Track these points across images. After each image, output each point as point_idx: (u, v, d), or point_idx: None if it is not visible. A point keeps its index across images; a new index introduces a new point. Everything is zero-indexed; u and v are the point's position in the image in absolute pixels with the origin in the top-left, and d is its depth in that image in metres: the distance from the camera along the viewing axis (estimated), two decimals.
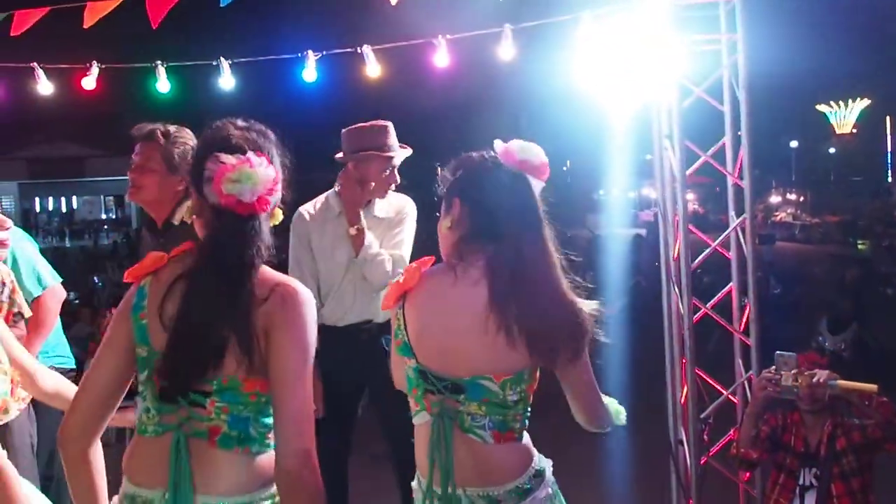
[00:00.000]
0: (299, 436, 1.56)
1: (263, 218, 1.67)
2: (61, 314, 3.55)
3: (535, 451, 1.85)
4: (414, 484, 1.90)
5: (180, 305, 1.61)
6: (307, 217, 3.34)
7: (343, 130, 3.33)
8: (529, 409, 1.83)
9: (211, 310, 1.59)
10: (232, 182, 1.59)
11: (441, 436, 1.76)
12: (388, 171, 3.26)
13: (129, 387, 1.72)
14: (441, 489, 1.77)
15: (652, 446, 4.21)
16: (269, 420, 1.64)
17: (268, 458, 1.64)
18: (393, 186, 3.31)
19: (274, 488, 1.64)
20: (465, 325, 1.76)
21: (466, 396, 1.75)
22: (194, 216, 1.72)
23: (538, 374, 1.84)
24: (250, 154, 1.63)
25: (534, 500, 1.77)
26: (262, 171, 1.61)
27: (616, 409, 2.03)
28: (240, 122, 1.73)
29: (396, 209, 3.34)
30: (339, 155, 3.33)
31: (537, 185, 1.89)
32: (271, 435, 1.63)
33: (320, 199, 3.39)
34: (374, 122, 3.30)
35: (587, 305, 1.81)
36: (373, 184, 3.24)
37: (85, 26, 3.83)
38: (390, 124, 3.31)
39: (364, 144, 3.25)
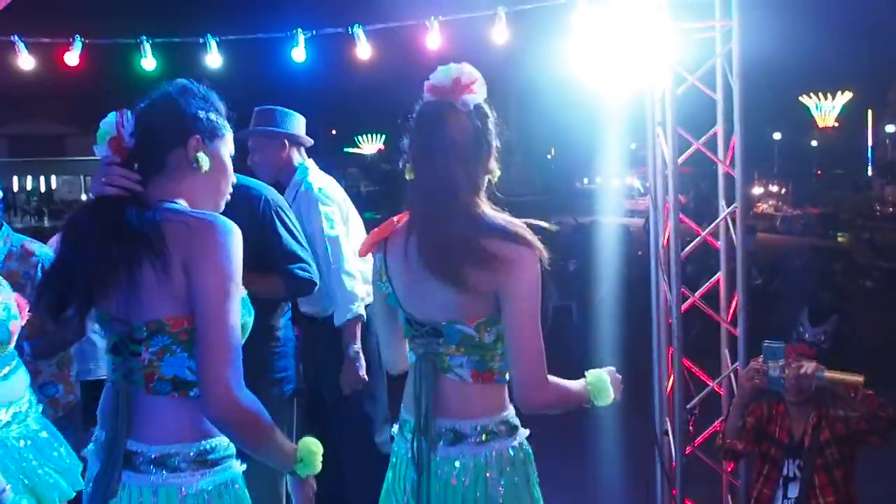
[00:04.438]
0: (221, 366, 1.50)
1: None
2: None
3: (511, 407, 1.83)
4: (394, 430, 1.93)
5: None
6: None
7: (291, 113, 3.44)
8: None
9: (92, 248, 1.58)
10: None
11: (421, 374, 1.81)
12: None
13: None
14: (422, 422, 1.79)
15: (637, 436, 4.22)
16: None
17: None
18: None
19: (215, 441, 1.59)
20: (429, 273, 1.75)
21: (445, 340, 1.79)
22: None
23: None
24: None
25: (495, 446, 1.77)
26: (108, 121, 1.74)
27: (599, 385, 1.89)
28: None
29: None
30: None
31: (469, 104, 1.76)
32: None
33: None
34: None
35: (520, 228, 1.71)
36: None
37: None
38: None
39: None
